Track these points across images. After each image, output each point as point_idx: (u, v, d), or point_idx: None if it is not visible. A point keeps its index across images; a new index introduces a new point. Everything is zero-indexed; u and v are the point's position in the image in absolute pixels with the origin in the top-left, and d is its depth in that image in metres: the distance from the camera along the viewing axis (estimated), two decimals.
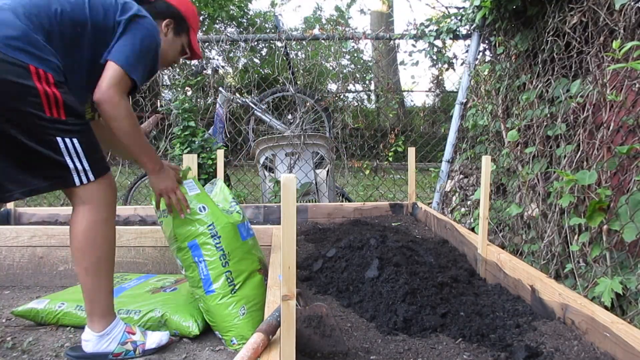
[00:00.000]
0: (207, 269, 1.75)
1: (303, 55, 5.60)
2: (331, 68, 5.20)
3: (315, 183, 4.17)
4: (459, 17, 4.00)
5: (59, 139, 1.46)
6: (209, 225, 1.76)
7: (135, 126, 1.60)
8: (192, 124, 3.90)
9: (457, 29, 4.01)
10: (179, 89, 4.77)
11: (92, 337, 1.58)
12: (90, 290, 1.56)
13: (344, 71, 5.53)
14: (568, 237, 2.14)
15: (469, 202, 3.49)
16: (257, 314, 1.77)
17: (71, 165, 1.49)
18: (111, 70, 1.54)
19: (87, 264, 1.54)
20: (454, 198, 3.73)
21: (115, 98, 1.53)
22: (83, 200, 1.53)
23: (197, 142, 3.90)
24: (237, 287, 1.76)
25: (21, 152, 1.45)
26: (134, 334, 1.64)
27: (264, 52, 9.64)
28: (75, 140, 1.49)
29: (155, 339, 1.66)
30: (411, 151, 3.70)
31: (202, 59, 2.09)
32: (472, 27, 3.86)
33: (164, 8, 1.81)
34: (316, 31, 4.38)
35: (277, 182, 4.06)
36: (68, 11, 1.53)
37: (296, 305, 1.38)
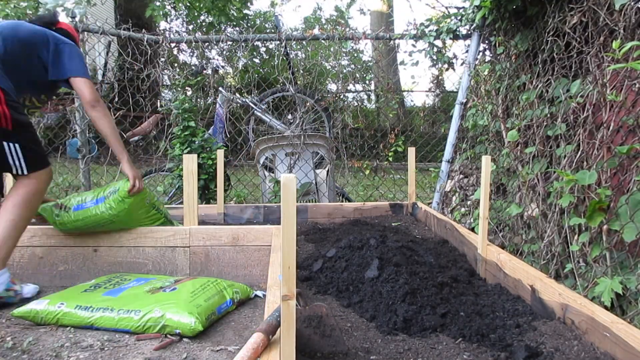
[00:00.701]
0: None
1: (303, 55, 5.60)
2: (331, 68, 5.20)
3: (315, 183, 4.17)
4: (459, 17, 4.00)
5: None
6: None
7: (113, 122, 2.40)
8: (192, 124, 3.90)
9: (457, 29, 4.00)
10: (179, 89, 4.77)
11: None
12: (6, 240, 2.07)
13: (344, 71, 5.53)
14: (568, 237, 2.14)
15: (469, 202, 3.49)
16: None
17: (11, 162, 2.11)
18: (82, 83, 2.31)
19: (16, 220, 2.08)
20: (454, 198, 3.73)
21: (98, 100, 2.31)
22: (21, 181, 2.14)
23: (197, 142, 3.90)
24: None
25: None
26: (15, 284, 2.13)
27: (264, 52, 9.64)
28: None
29: (29, 290, 2.17)
30: (411, 151, 3.70)
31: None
32: (472, 27, 3.86)
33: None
34: (316, 31, 4.38)
35: (277, 182, 4.06)
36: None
37: (296, 305, 1.38)
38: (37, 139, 2.22)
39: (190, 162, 2.58)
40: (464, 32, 3.99)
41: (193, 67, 4.84)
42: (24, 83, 2.25)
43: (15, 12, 4.90)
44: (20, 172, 2.11)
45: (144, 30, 4.27)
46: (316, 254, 2.55)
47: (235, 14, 10.68)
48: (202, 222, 3.29)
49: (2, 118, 2.04)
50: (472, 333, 1.66)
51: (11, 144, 2.09)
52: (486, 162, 2.14)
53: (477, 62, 3.86)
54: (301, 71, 5.10)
